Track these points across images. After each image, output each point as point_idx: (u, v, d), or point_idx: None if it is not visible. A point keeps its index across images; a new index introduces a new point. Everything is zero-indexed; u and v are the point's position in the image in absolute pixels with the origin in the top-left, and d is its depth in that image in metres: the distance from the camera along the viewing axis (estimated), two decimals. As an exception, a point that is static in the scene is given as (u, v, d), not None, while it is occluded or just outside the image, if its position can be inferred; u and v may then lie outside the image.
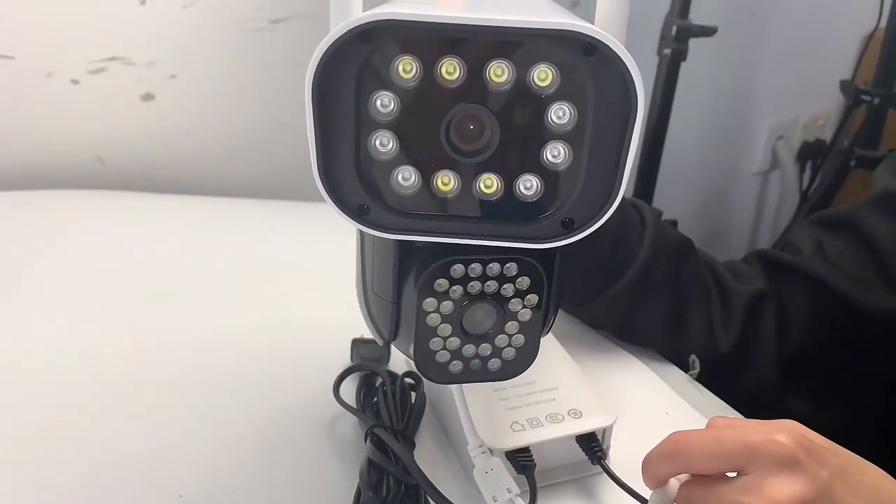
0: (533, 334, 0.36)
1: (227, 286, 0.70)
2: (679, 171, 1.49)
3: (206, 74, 0.91)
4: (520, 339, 0.36)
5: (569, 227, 0.32)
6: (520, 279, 0.35)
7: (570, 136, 0.31)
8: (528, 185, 0.32)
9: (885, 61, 1.44)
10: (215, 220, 0.84)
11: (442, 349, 0.36)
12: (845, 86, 1.54)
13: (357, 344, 0.57)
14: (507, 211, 0.32)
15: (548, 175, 0.31)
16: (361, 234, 0.37)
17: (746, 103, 1.63)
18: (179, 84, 0.90)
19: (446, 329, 0.35)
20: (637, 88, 0.29)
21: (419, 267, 0.34)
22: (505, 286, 0.35)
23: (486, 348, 0.36)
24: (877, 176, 0.66)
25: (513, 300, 0.35)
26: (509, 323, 0.36)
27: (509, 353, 0.37)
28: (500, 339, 0.36)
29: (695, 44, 1.28)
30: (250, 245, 0.78)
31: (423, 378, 0.37)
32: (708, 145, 1.61)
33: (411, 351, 0.36)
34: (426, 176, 0.32)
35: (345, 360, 0.57)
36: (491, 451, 0.44)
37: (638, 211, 0.61)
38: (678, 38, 1.26)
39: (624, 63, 0.29)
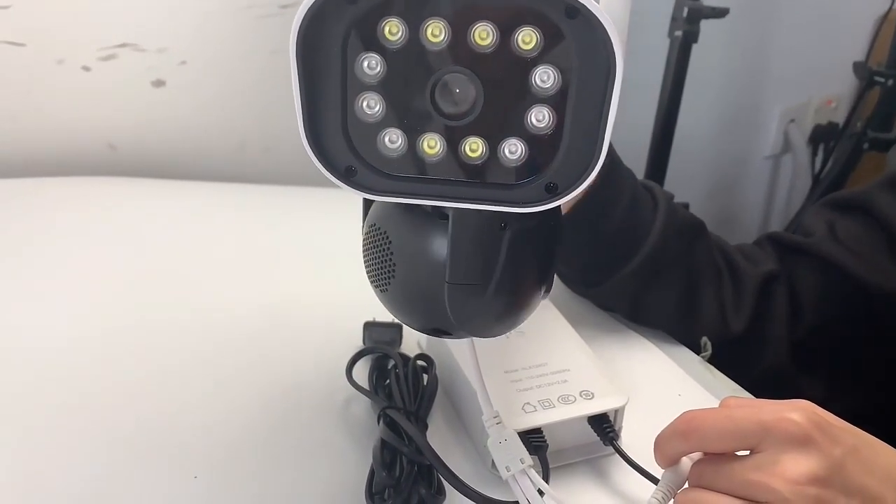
0: None
1: (239, 271, 0.70)
2: (690, 154, 1.48)
3: (217, 60, 0.91)
4: None
5: (552, 192, 0.32)
6: None
7: (553, 100, 0.31)
8: (513, 150, 0.32)
9: (900, 42, 1.43)
10: (227, 206, 0.84)
11: None
12: (859, 67, 1.53)
13: (369, 327, 0.57)
14: (492, 175, 0.32)
15: (532, 139, 0.31)
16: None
17: (758, 86, 1.62)
18: (190, 70, 0.90)
19: None
20: (616, 51, 0.29)
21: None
22: None
23: None
24: (890, 158, 0.65)
25: None
26: None
27: None
28: None
29: (706, 25, 1.27)
30: (261, 230, 0.79)
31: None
32: (719, 128, 1.60)
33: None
34: (412, 138, 0.32)
35: (357, 343, 0.57)
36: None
37: (650, 192, 0.60)
38: (689, 19, 1.26)
39: (602, 24, 0.28)
